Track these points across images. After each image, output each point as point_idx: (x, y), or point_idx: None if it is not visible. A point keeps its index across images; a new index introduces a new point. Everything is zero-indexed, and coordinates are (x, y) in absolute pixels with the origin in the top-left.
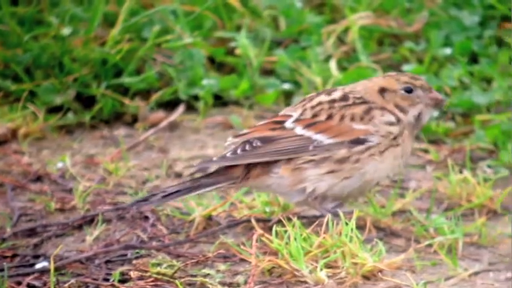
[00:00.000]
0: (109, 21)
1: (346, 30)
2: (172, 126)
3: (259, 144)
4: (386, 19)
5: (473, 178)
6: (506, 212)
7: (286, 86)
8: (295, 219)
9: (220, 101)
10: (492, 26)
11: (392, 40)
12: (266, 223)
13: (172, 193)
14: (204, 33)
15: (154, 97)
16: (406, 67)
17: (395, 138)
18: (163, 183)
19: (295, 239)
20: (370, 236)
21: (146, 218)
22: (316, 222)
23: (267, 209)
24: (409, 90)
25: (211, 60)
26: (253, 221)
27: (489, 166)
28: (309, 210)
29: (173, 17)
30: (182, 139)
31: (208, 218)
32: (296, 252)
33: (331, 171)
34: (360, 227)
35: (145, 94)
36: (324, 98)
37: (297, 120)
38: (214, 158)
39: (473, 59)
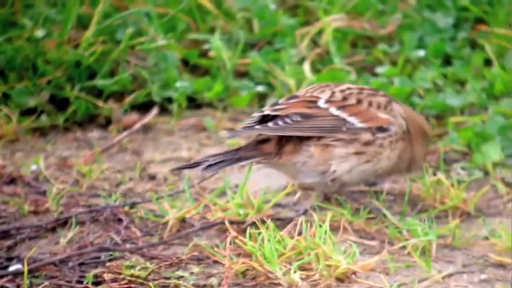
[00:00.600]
0: (83, 24)
1: (320, 32)
2: (146, 129)
3: (299, 119)
4: (360, 21)
5: (447, 180)
6: (480, 214)
7: (260, 88)
8: (269, 222)
9: (194, 103)
10: (466, 28)
11: (366, 42)
12: (240, 225)
13: (216, 163)
14: (177, 35)
15: (128, 99)
16: (379, 69)
17: (404, 132)
18: (136, 185)
19: (269, 241)
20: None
21: (120, 220)
22: (291, 224)
23: (241, 211)
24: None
25: (185, 62)
26: (227, 223)
27: (463, 168)
28: (283, 212)
29: (147, 19)
30: (156, 141)
31: (182, 220)
32: (270, 255)
33: (358, 153)
34: (334, 229)
35: (119, 96)
36: (351, 85)
37: (329, 102)
38: (257, 126)
39: (447, 61)
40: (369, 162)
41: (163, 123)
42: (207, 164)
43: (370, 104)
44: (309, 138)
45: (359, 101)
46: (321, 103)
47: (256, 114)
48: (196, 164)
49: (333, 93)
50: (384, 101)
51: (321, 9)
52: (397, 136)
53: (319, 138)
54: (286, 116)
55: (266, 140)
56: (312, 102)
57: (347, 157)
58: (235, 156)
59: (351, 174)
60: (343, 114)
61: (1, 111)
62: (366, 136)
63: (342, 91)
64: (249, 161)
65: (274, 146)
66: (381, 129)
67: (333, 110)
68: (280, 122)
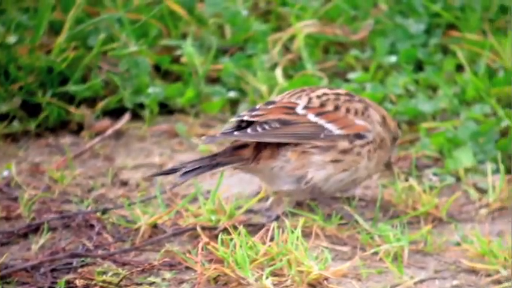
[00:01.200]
0: (55, 29)
1: (292, 38)
2: (118, 135)
3: (277, 125)
4: (332, 27)
5: (418, 186)
6: (452, 219)
7: (232, 94)
8: (241, 227)
9: (165, 109)
10: (437, 34)
11: (338, 48)
12: (212, 231)
13: (193, 169)
14: (149, 41)
15: (100, 105)
16: (351, 75)
17: (382, 140)
18: (108, 191)
19: (241, 247)
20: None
21: (92, 226)
22: (263, 230)
23: (213, 217)
24: (393, 139)
25: (157, 68)
26: (199, 229)
27: (435, 174)
28: (255, 218)
29: (119, 25)
30: (128, 147)
31: (154, 226)
32: (242, 260)
33: (334, 161)
34: (306, 235)
35: (91, 102)
36: (327, 90)
37: (307, 108)
38: (236, 133)
39: (419, 66)
40: (345, 171)
41: (135, 129)
42: (184, 170)
43: (347, 110)
44: (286, 143)
45: (336, 108)
46: (299, 109)
47: (235, 119)
48: (174, 170)
49: (310, 99)
50: (361, 107)
51: (293, 15)
52: (374, 144)
53: (297, 144)
54: (265, 122)
55: (243, 146)
56: (290, 109)
57: (324, 165)
58: (212, 162)
59: (328, 182)
60: (321, 121)
61: None
62: (344, 144)
63: (318, 97)
64: (227, 166)
65: (252, 151)
66: (358, 136)
67: (311, 117)
68: (259, 128)
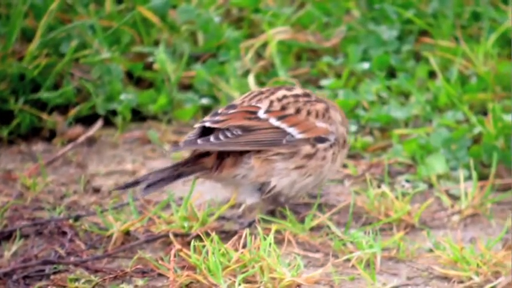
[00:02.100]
0: (27, 36)
1: (264, 45)
2: (90, 141)
3: (239, 133)
4: (305, 34)
5: (391, 193)
6: (424, 226)
7: (205, 101)
8: (213, 234)
9: (138, 116)
10: (410, 41)
11: (311, 55)
12: (184, 238)
13: (156, 182)
14: (122, 48)
15: (72, 112)
16: (324, 82)
17: (344, 141)
18: (81, 198)
19: (213, 253)
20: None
21: (64, 233)
22: (235, 236)
23: (186, 224)
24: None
25: (129, 75)
26: (171, 236)
27: (407, 180)
28: (227, 224)
29: (91, 32)
30: (100, 154)
31: (126, 233)
32: (214, 267)
33: (298, 167)
34: (278, 242)
35: (63, 109)
36: (286, 92)
37: (268, 112)
38: (199, 141)
39: (391, 73)
40: (310, 176)
41: (108, 136)
42: (147, 183)
43: (308, 113)
44: (249, 150)
45: (297, 111)
46: (261, 114)
47: (197, 126)
48: (137, 183)
49: (271, 102)
50: (322, 109)
51: (266, 22)
52: (338, 147)
53: (260, 150)
54: (227, 129)
55: (206, 154)
56: (252, 113)
57: (288, 172)
58: (175, 173)
59: (293, 189)
60: (283, 125)
61: None
62: (306, 148)
63: (279, 100)
64: (189, 176)
65: (215, 159)
66: (320, 139)
67: (273, 121)
68: (221, 136)
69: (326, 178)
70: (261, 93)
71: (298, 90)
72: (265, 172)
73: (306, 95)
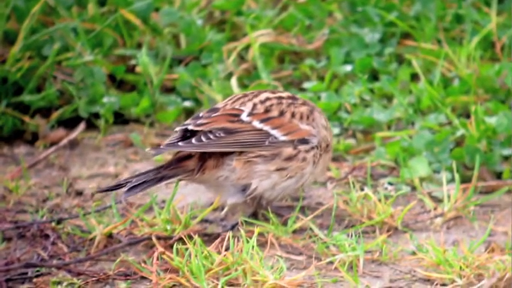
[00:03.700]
0: (9, 39)
1: (247, 47)
2: (73, 144)
3: (222, 134)
4: (287, 36)
5: (374, 195)
6: (407, 229)
7: (187, 104)
8: (196, 237)
9: (121, 118)
10: (393, 43)
11: (293, 57)
12: (167, 241)
13: (138, 184)
14: (104, 51)
15: (55, 115)
16: (307, 84)
17: (327, 145)
18: (63, 201)
19: (196, 256)
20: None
21: (47, 236)
22: (218, 239)
23: (168, 227)
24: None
25: (112, 78)
26: (154, 238)
27: (390, 183)
28: (210, 227)
29: (74, 35)
30: (82, 157)
31: (109, 235)
32: (197, 270)
33: (279, 169)
34: (261, 244)
35: (45, 112)
36: (269, 94)
37: (252, 115)
38: (180, 143)
39: (374, 76)
40: (291, 178)
41: (90, 139)
42: (129, 185)
43: (292, 115)
44: (231, 152)
45: (281, 113)
46: (244, 116)
47: (179, 129)
48: (119, 186)
49: (255, 105)
50: (306, 111)
51: (248, 25)
52: (319, 149)
53: (241, 152)
54: (210, 131)
55: (188, 156)
56: (235, 116)
57: (268, 174)
58: (157, 176)
59: (274, 191)
60: (266, 127)
61: None
62: (288, 150)
63: (262, 102)
64: (172, 179)
65: (197, 161)
66: (303, 141)
67: (256, 124)
68: (203, 138)
69: (308, 181)
70: (245, 96)
71: (282, 93)
72: (246, 174)
73: (291, 97)
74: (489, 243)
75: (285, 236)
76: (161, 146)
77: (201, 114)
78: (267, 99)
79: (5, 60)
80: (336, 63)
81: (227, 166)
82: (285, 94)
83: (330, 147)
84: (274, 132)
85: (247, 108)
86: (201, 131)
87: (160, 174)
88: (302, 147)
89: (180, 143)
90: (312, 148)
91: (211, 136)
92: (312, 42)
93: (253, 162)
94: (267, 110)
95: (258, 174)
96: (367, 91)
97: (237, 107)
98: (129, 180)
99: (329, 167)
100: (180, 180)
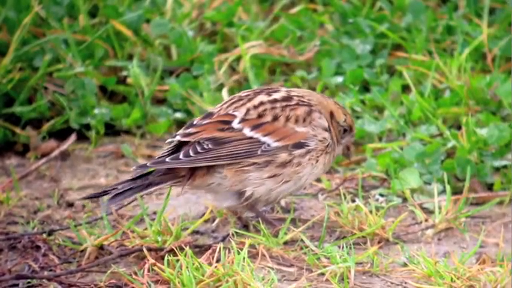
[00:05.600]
0: (0, 50)
1: (238, 59)
2: (64, 156)
3: (210, 146)
4: (278, 48)
5: (365, 207)
6: (398, 240)
7: (178, 115)
8: (187, 249)
9: (111, 130)
10: (384, 55)
11: (284, 69)
12: (158, 252)
13: (124, 191)
14: (95, 62)
15: (46, 126)
16: None
17: (327, 146)
18: (54, 212)
19: (187, 268)
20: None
21: (38, 247)
22: (209, 251)
23: (159, 238)
24: (344, 131)
25: (103, 89)
26: (145, 250)
27: (381, 194)
28: (201, 239)
29: (65, 46)
30: (74, 168)
31: (100, 247)
32: (188, 282)
33: (273, 176)
34: (252, 256)
35: (36, 123)
36: (264, 97)
37: (243, 121)
38: (167, 159)
39: (365, 87)
40: (287, 183)
41: (81, 150)
42: (114, 192)
43: (287, 119)
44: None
45: (275, 118)
46: (235, 123)
47: (169, 141)
48: (105, 193)
49: (248, 110)
50: (303, 113)
51: (239, 36)
52: (316, 152)
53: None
54: (198, 142)
55: None
56: (226, 123)
57: (262, 181)
58: (145, 182)
59: (270, 195)
60: (257, 135)
61: None
62: (282, 156)
63: (255, 107)
64: (160, 185)
65: (187, 169)
66: (299, 145)
67: (247, 131)
68: (191, 152)
69: (307, 181)
70: (240, 99)
71: (277, 95)
72: (239, 181)
73: (285, 99)
74: (480, 255)
75: (276, 248)
76: (147, 164)
77: (194, 122)
78: (261, 103)
79: None
80: (327, 74)
81: (218, 174)
82: (279, 96)
83: (331, 146)
84: (265, 139)
85: (240, 114)
86: (190, 142)
87: (147, 181)
88: (297, 152)
89: (167, 159)
90: (308, 152)
91: (198, 149)
92: (303, 53)
93: (245, 171)
94: (259, 116)
95: (251, 182)
96: (358, 102)
97: (230, 111)
98: (115, 187)
99: (320, 178)
100: (170, 186)
